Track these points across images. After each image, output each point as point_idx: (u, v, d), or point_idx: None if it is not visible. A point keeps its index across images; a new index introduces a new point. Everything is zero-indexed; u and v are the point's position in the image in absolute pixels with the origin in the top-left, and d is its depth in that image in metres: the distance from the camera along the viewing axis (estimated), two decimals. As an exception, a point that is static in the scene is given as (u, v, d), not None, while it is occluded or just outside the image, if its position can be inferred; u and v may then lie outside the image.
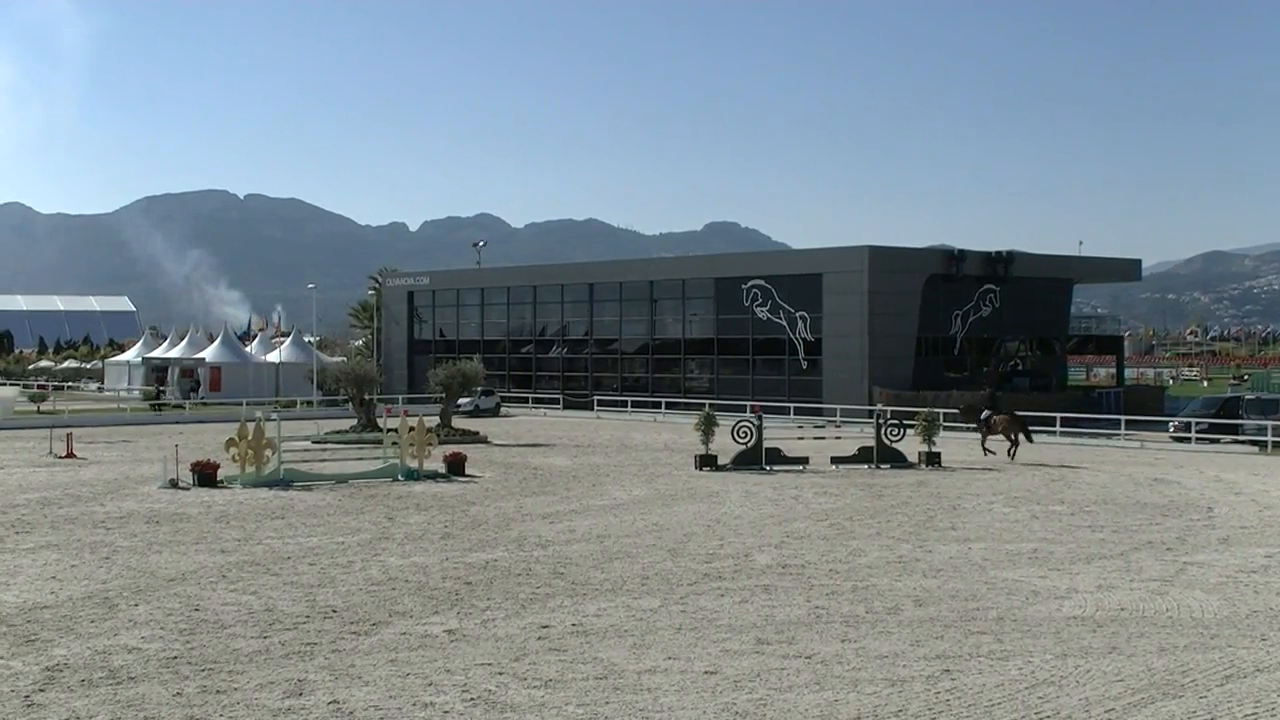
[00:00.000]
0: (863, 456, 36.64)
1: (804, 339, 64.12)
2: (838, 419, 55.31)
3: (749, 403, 56.15)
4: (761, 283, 66.26)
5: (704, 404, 45.18)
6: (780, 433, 39.41)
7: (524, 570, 19.17)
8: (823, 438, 41.21)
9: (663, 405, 65.25)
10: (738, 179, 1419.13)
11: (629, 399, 68.72)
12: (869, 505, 27.63)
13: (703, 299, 70.35)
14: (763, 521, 24.96)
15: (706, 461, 35.49)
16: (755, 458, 35.68)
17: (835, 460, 36.53)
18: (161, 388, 76.54)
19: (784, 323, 64.91)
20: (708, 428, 35.75)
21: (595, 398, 70.59)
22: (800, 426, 48.17)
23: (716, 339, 69.02)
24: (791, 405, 60.17)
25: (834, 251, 65.77)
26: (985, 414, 39.53)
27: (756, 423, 36.27)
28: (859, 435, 40.29)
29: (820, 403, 60.53)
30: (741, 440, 36.08)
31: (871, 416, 40.22)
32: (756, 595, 17.18)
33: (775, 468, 35.57)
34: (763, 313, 65.93)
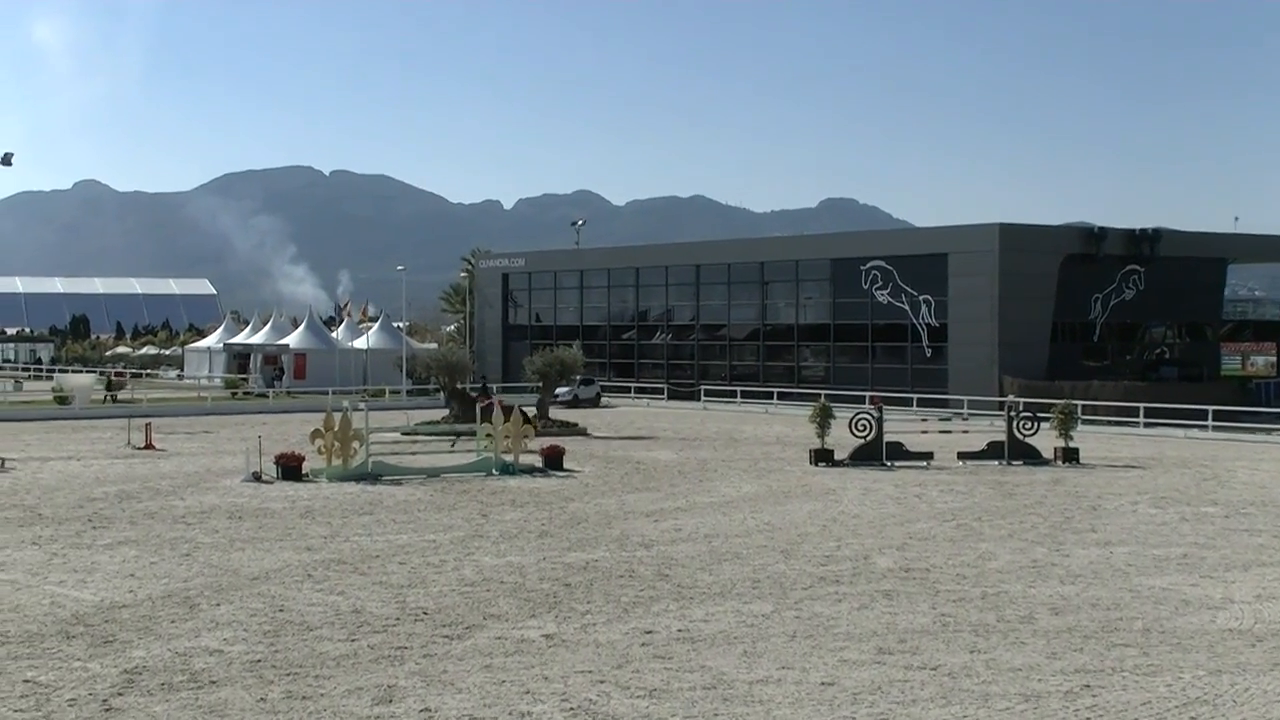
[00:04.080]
0: (992, 452, 36.31)
1: (928, 324, 63.60)
2: (965, 411, 54.93)
3: (868, 393, 55.82)
4: (881, 264, 65.81)
5: (819, 394, 44.92)
6: (902, 426, 39.12)
7: (626, 571, 19.24)
8: (949, 431, 40.83)
9: (774, 396, 65.11)
10: (855, 152, 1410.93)
11: (738, 389, 68.62)
12: (999, 505, 27.36)
13: (818, 281, 70.07)
14: (883, 521, 24.82)
15: (822, 456, 35.39)
16: (875, 452, 35.50)
17: (962, 456, 36.24)
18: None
19: (906, 307, 64.42)
20: (823, 420, 35.64)
21: (702, 387, 70.64)
22: (924, 419, 47.84)
23: (833, 324, 68.69)
24: (914, 396, 59.82)
25: (961, 230, 65.16)
26: (487, 404, 41.32)
27: (876, 415, 36.08)
28: (988, 429, 39.87)
29: (946, 393, 60.04)
30: (860, 434, 35.90)
31: (1002, 409, 39.89)
32: (877, 601, 17.08)
33: (897, 464, 35.38)
34: (883, 296, 65.48)
